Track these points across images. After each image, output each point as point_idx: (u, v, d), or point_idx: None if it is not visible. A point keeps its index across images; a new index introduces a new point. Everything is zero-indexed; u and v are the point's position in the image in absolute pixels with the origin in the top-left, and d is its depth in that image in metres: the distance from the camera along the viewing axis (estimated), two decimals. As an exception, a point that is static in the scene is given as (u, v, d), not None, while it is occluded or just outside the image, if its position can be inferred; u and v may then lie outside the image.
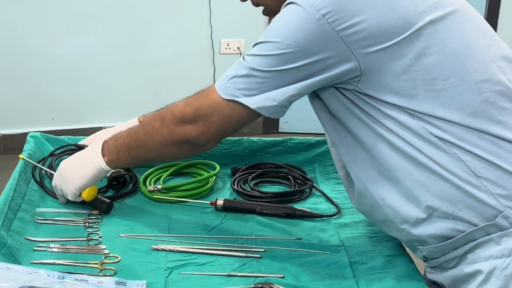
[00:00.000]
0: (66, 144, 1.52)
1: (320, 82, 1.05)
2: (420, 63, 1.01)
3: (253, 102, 1.07)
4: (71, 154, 1.38)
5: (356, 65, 1.02)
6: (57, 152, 1.48)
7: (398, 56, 1.01)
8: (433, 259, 1.12)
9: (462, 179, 1.02)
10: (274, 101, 1.06)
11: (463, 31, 1.05)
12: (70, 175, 1.26)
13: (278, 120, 3.99)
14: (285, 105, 1.07)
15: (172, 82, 3.83)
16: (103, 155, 1.24)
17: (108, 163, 1.24)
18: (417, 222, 1.08)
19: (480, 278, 1.04)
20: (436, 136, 1.02)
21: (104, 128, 3.76)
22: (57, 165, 1.37)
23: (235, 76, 1.08)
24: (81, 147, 1.47)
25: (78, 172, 1.26)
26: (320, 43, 1.01)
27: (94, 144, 1.27)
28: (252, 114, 1.09)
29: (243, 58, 1.09)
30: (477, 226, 1.03)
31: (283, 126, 4.02)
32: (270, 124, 3.98)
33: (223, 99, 1.09)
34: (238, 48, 3.91)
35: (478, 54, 1.04)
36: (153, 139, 1.18)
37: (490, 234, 1.03)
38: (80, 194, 1.27)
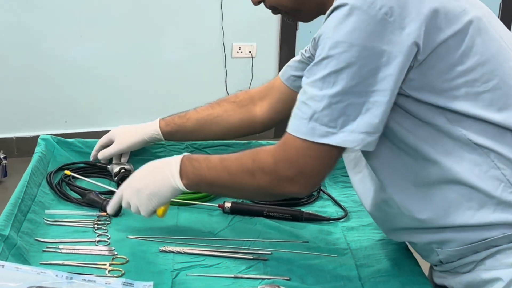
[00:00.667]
0: (77, 162, 1.55)
1: (396, 83, 0.97)
2: (463, 63, 0.99)
3: (349, 139, 0.98)
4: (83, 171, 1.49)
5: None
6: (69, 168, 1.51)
7: (446, 53, 0.98)
8: (447, 263, 1.10)
9: (496, 188, 1.01)
10: (371, 129, 0.98)
11: (497, 34, 1.04)
12: (148, 193, 1.19)
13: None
14: (380, 129, 1.00)
15: (184, 86, 3.85)
16: (181, 178, 1.16)
17: (186, 186, 1.17)
18: (440, 231, 1.06)
19: (499, 285, 1.02)
20: (475, 143, 1.00)
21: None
22: (76, 181, 1.44)
23: (314, 113, 0.98)
24: (92, 164, 1.53)
25: (155, 192, 1.18)
26: (387, 43, 0.95)
27: (169, 163, 1.19)
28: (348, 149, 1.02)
29: (308, 88, 0.99)
30: (505, 234, 1.01)
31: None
32: (282, 127, 3.98)
33: (316, 144, 0.99)
34: (250, 52, 3.93)
35: (511, 59, 1.03)
36: (241, 188, 1.13)
37: None
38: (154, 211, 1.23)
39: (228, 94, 3.91)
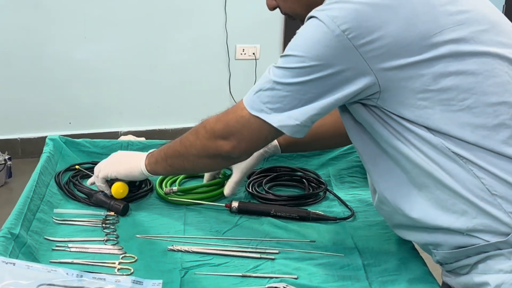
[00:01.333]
0: (85, 162, 1.56)
1: (340, 100, 1.06)
2: (437, 83, 1.01)
3: (276, 120, 1.08)
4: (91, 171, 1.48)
5: (374, 80, 1.02)
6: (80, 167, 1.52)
7: (416, 75, 1.01)
8: (446, 264, 1.13)
9: (477, 196, 1.02)
10: (297, 120, 1.07)
11: (487, 50, 1.03)
12: (114, 161, 1.36)
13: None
14: (307, 125, 1.09)
15: (188, 88, 3.86)
16: (146, 159, 1.32)
17: (147, 166, 1.31)
18: (432, 231, 1.09)
19: None
20: (453, 152, 1.02)
21: (120, 133, 3.81)
22: (83, 181, 1.47)
23: (260, 90, 1.10)
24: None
25: (122, 162, 1.35)
26: (339, 57, 1.02)
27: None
28: (277, 131, 1.10)
29: (269, 71, 1.11)
30: (488, 242, 1.03)
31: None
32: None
33: (251, 115, 1.11)
34: (254, 53, 3.94)
35: (498, 75, 1.03)
36: (188, 151, 1.22)
37: (501, 249, 1.03)
38: (109, 186, 1.36)
39: (232, 96, 3.94)
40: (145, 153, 1.33)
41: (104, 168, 1.36)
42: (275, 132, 1.11)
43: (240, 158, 1.21)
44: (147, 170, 1.31)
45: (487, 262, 1.05)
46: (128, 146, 1.61)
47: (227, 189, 1.42)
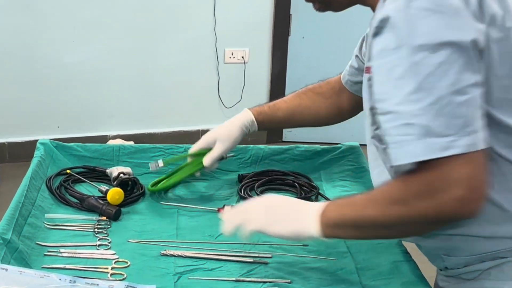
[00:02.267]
0: (77, 166, 1.54)
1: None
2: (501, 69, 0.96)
3: (473, 141, 0.89)
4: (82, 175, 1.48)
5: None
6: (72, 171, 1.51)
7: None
8: (453, 269, 1.10)
9: (510, 201, 1.00)
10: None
11: None
12: (271, 215, 1.09)
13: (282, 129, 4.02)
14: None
15: (177, 91, 3.85)
16: (320, 221, 1.04)
17: (323, 230, 1.03)
18: (453, 238, 1.06)
19: None
20: (496, 153, 0.98)
21: (108, 136, 3.78)
22: (74, 185, 1.44)
23: (425, 128, 0.89)
24: (91, 169, 1.53)
25: (282, 220, 1.08)
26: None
27: (304, 202, 1.11)
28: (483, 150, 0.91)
29: (397, 110, 0.91)
30: None
31: (287, 135, 4.03)
32: (274, 132, 4.00)
33: (443, 158, 0.88)
34: (242, 57, 3.94)
35: None
36: (393, 221, 0.97)
37: None
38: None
39: (221, 100, 3.94)
40: (312, 207, 1.06)
41: (257, 222, 1.09)
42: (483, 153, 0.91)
43: (474, 212, 0.92)
44: (323, 235, 1.04)
45: (503, 268, 1.03)
46: (119, 150, 1.60)
47: (206, 160, 1.44)
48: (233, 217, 1.13)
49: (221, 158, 1.47)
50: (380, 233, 1.04)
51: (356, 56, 1.48)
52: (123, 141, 3.66)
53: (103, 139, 3.64)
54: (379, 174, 1.12)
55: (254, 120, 1.47)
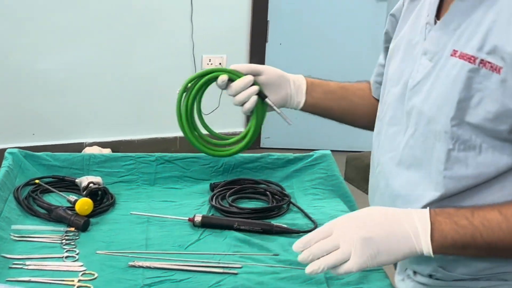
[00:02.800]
0: (46, 176, 1.51)
1: None
2: None
3: None
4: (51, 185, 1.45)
5: None
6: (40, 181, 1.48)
7: None
8: (438, 279, 1.09)
9: None
10: None
11: None
12: (381, 249, 0.94)
13: (260, 135, 4.01)
14: None
15: (154, 98, 3.84)
16: (432, 236, 0.95)
17: (435, 248, 0.96)
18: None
19: None
20: None
21: (85, 144, 3.75)
22: (43, 195, 1.41)
23: None
24: (60, 178, 1.49)
25: (387, 252, 0.95)
26: None
27: (412, 217, 0.97)
28: None
29: None
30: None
31: (264, 142, 4.03)
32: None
33: None
34: (220, 64, 3.93)
35: None
36: None
37: None
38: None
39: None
40: (423, 230, 0.96)
41: (356, 261, 0.94)
42: None
43: None
44: (433, 252, 0.96)
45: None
46: (90, 159, 1.58)
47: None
48: (319, 251, 0.96)
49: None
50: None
51: (383, 50, 1.36)
52: (100, 148, 3.65)
53: (80, 146, 3.61)
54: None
55: (304, 78, 1.34)
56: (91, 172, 1.55)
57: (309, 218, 1.41)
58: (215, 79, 1.29)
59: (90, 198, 1.38)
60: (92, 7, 3.55)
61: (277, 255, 1.25)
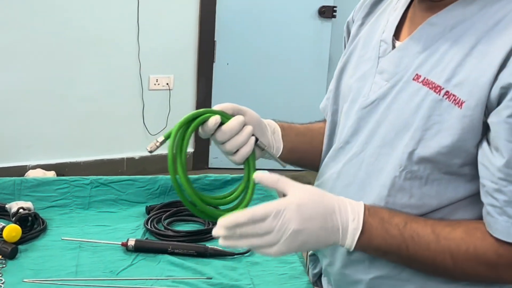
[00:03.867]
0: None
1: None
2: None
3: None
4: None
5: None
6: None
7: None
8: None
9: None
10: None
11: None
12: (304, 239, 0.92)
13: (208, 155, 3.99)
14: None
15: (101, 119, 3.78)
16: (362, 233, 0.95)
17: (360, 246, 0.96)
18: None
19: None
20: None
21: (28, 167, 3.65)
22: None
23: None
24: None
25: (313, 241, 0.94)
26: None
27: (346, 211, 0.96)
28: None
29: None
30: None
31: (213, 162, 4.01)
32: (200, 159, 3.97)
33: None
34: (167, 84, 3.91)
35: None
36: (464, 274, 0.96)
37: None
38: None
39: (146, 127, 3.89)
40: (348, 217, 0.95)
41: (281, 247, 0.92)
42: None
43: None
44: (353, 250, 0.96)
45: None
46: (21, 183, 1.54)
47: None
48: (251, 234, 0.91)
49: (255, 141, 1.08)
50: (435, 274, 0.98)
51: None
52: (44, 171, 3.56)
53: (23, 169, 3.53)
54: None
55: (275, 123, 1.20)
56: (22, 197, 1.51)
57: (245, 239, 1.40)
58: (204, 122, 1.03)
59: (20, 224, 1.34)
60: (36, 26, 3.48)
61: (210, 278, 1.23)
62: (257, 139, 1.07)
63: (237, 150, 1.04)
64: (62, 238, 1.36)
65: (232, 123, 1.03)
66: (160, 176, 1.59)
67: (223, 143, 1.04)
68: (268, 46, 4.01)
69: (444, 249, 0.94)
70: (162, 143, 1.03)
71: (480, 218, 0.96)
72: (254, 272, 1.27)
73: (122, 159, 3.81)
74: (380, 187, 1.01)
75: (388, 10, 1.12)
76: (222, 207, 1.08)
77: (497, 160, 0.89)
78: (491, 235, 0.92)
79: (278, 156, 1.17)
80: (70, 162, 3.75)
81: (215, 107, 1.05)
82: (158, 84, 3.89)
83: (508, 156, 0.87)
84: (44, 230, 1.40)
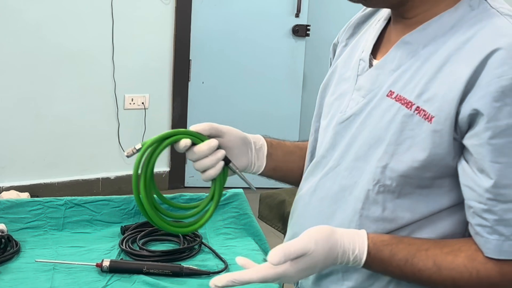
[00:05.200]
0: None
1: None
2: None
3: None
4: None
5: None
6: None
7: None
8: None
9: None
10: None
11: None
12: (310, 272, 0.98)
13: (184, 174, 3.99)
14: None
15: (75, 139, 3.75)
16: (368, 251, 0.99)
17: (368, 259, 0.99)
18: None
19: None
20: None
21: (1, 188, 3.61)
22: None
23: None
24: None
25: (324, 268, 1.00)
26: None
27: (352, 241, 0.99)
28: None
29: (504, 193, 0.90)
30: None
31: (188, 181, 4.00)
32: (176, 178, 3.96)
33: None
34: (143, 103, 3.90)
35: None
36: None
37: None
38: None
39: (121, 146, 3.87)
40: (361, 245, 0.99)
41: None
42: None
43: None
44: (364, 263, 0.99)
45: None
46: (-6, 206, 1.52)
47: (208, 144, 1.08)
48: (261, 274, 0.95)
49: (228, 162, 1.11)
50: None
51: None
52: (18, 193, 3.52)
53: (-4, 190, 3.48)
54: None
55: (263, 140, 1.21)
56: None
57: (220, 258, 1.40)
58: (176, 142, 1.07)
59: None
60: (10, 44, 3.46)
61: (185, 295, 1.23)
62: (229, 161, 1.10)
63: (205, 170, 1.08)
64: (36, 260, 1.35)
65: (202, 147, 1.06)
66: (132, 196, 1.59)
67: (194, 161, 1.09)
68: (243, 65, 4.03)
69: (446, 279, 0.96)
70: (138, 150, 1.05)
71: (455, 230, 0.99)
72: None
73: (98, 179, 3.79)
74: (355, 200, 1.03)
75: (369, 31, 1.15)
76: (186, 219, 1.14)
77: (484, 182, 0.91)
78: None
79: (259, 173, 1.20)
80: (44, 183, 3.71)
81: (193, 127, 1.08)
82: (134, 103, 3.89)
83: (495, 176, 0.90)
84: (17, 252, 1.39)
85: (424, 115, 0.95)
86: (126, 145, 3.83)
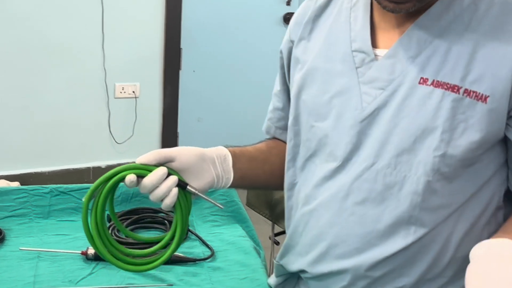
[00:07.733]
0: None
1: None
2: None
3: None
4: None
5: None
6: None
7: None
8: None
9: None
10: None
11: None
12: None
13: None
14: None
15: (66, 128, 3.73)
16: None
17: None
18: None
19: None
20: None
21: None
22: None
23: None
24: None
25: None
26: None
27: None
28: None
29: None
30: None
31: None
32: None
33: None
34: (133, 92, 3.88)
35: None
36: None
37: None
38: None
39: (112, 135, 3.85)
40: None
41: None
42: None
43: None
44: None
45: None
46: (-19, 195, 1.51)
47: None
48: None
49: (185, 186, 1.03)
50: None
51: (276, 95, 1.30)
52: (8, 182, 3.50)
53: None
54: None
55: (226, 149, 1.15)
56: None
57: (207, 245, 1.39)
58: (122, 180, 1.02)
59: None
60: (-3, 36, 3.43)
61: (171, 285, 1.23)
62: (186, 185, 1.02)
63: (163, 199, 1.01)
64: (20, 248, 1.33)
65: (149, 178, 1.00)
66: (122, 183, 1.57)
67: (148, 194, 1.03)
68: (234, 53, 4.01)
69: None
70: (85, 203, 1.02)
71: (494, 196, 1.03)
72: (216, 277, 1.26)
73: (88, 168, 3.76)
74: (410, 194, 0.99)
75: (340, 21, 1.09)
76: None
77: None
78: None
79: (228, 186, 1.14)
80: (35, 172, 3.69)
81: (139, 159, 1.02)
82: (124, 92, 3.86)
83: None
84: (1, 240, 1.38)
85: (476, 96, 0.94)
86: (117, 134, 3.81)
